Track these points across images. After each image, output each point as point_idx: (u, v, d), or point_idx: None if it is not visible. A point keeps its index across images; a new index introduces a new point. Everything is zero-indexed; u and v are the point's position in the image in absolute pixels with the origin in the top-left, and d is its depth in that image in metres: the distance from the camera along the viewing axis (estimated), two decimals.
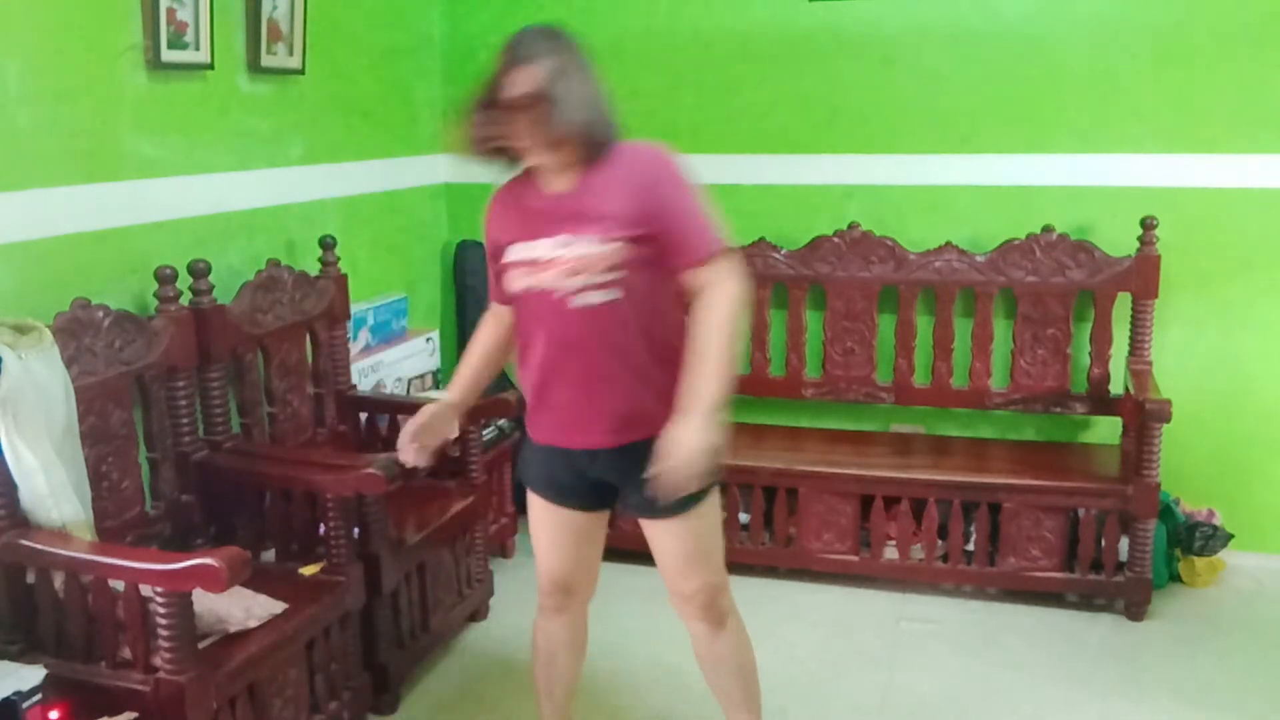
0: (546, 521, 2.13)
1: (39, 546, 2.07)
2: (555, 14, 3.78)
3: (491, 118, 1.88)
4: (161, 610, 1.94)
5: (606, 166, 1.90)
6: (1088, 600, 3.24)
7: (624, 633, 3.02)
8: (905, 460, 3.38)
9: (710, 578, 2.09)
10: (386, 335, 3.54)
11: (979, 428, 3.66)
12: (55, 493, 2.10)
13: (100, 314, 2.33)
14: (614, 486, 2.05)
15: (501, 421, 3.42)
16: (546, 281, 1.91)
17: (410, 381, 3.58)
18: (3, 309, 2.23)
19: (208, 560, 1.91)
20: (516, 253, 1.97)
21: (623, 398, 1.94)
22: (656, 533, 2.06)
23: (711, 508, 2.06)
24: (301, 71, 3.12)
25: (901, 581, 3.33)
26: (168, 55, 2.61)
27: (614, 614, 3.01)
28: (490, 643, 3.05)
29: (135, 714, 1.98)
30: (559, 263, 1.89)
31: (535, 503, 2.13)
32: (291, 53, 3.06)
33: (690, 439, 1.81)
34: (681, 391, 1.86)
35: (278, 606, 2.29)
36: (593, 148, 1.88)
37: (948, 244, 3.47)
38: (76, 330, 2.27)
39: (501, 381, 3.92)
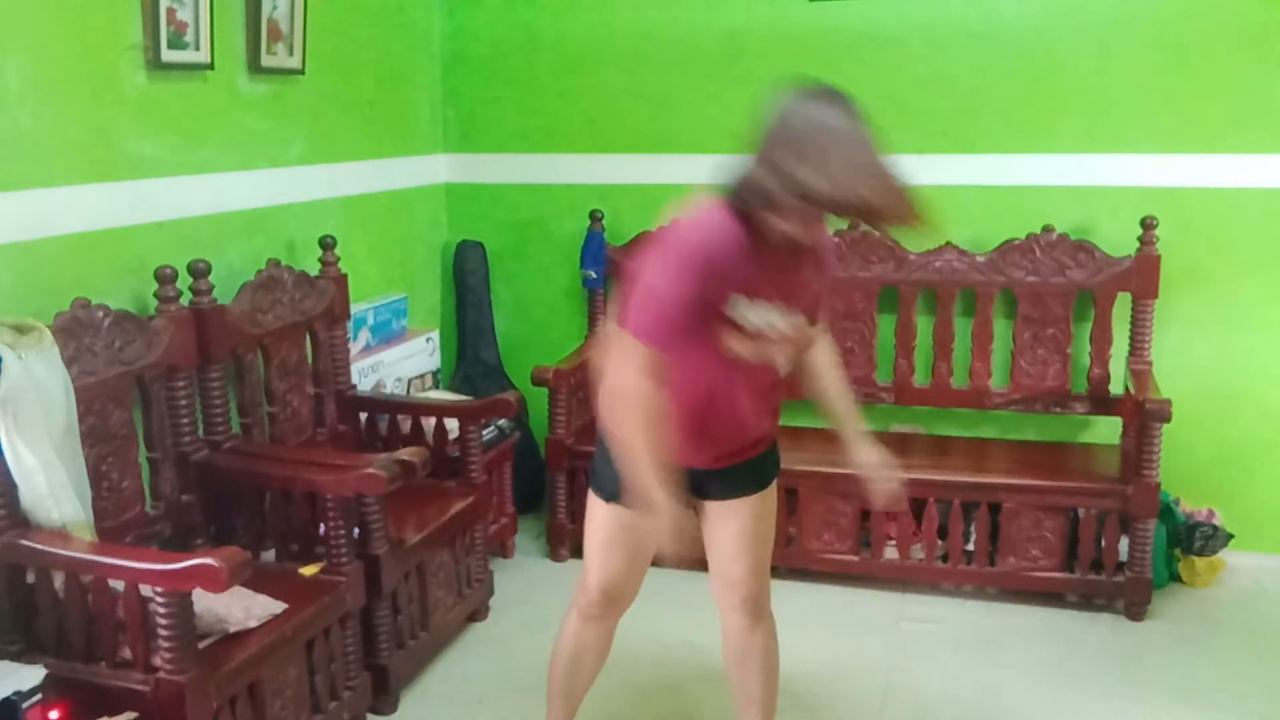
0: (630, 535, 2.09)
1: (39, 546, 2.07)
2: (553, 15, 3.78)
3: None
4: (161, 610, 1.94)
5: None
6: (1088, 600, 3.24)
7: (628, 632, 3.02)
8: (905, 460, 3.34)
9: (761, 565, 2.16)
10: (386, 335, 3.54)
11: (979, 428, 3.66)
12: (55, 493, 2.10)
13: (100, 314, 2.33)
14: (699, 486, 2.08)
15: (501, 421, 3.42)
16: (767, 354, 1.93)
17: (410, 381, 3.58)
18: (3, 309, 2.23)
19: (208, 560, 1.92)
20: (747, 311, 1.88)
21: (760, 429, 2.07)
22: (726, 513, 2.10)
23: (775, 496, 2.17)
24: (301, 71, 3.12)
25: (901, 581, 3.33)
26: (168, 55, 2.61)
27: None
28: (490, 643, 3.05)
29: (135, 714, 1.98)
30: (786, 339, 1.94)
31: (619, 516, 2.06)
32: (291, 53, 3.06)
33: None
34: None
35: (278, 606, 2.29)
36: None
37: (948, 244, 3.47)
38: (76, 330, 2.27)
39: (501, 381, 3.93)
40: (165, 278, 2.51)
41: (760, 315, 1.89)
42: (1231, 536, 3.30)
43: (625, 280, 1.90)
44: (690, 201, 1.90)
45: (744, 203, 1.81)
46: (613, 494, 2.05)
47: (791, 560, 3.36)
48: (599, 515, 2.11)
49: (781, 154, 1.74)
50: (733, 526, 2.12)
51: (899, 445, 3.52)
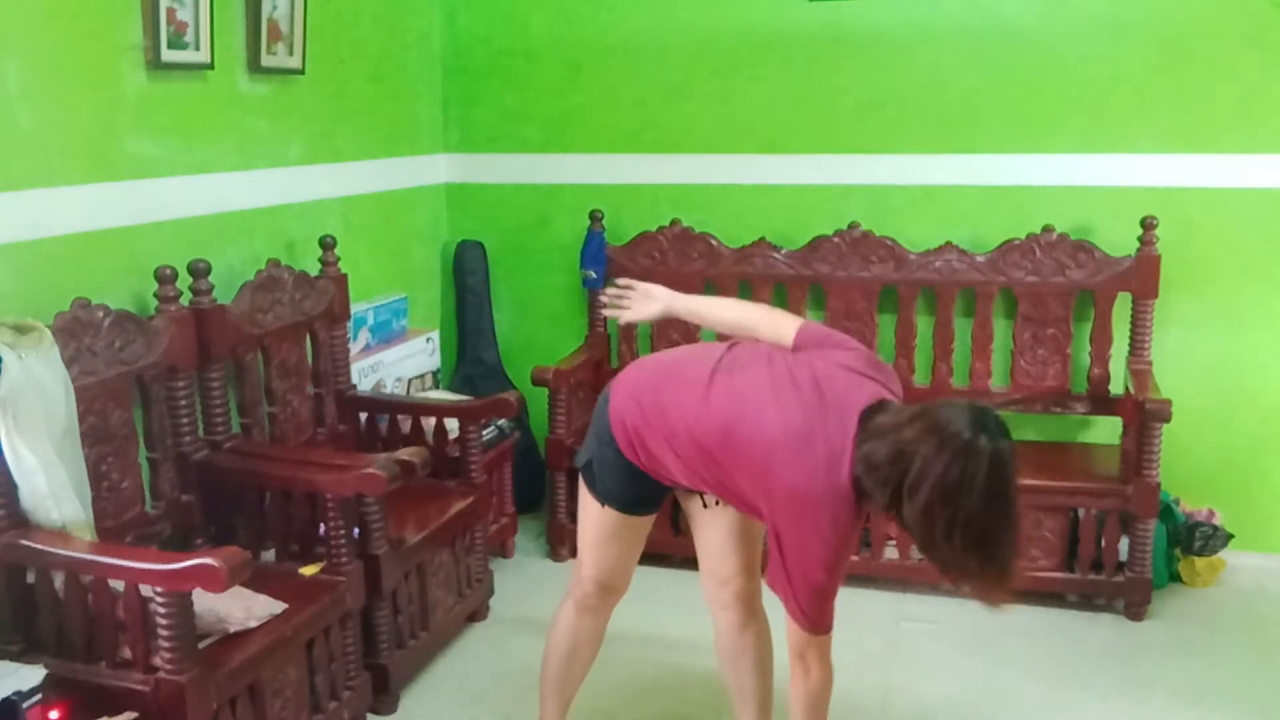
0: (623, 533, 2.13)
1: (39, 546, 2.07)
2: (553, 15, 3.78)
3: None
4: (161, 610, 1.94)
5: None
6: (1088, 600, 3.24)
7: (622, 632, 3.01)
8: None
9: (750, 562, 2.16)
10: (386, 335, 3.54)
11: None
12: (55, 493, 2.10)
13: (100, 314, 2.33)
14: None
15: (501, 421, 3.42)
16: None
17: (410, 381, 3.58)
18: (3, 309, 2.23)
19: (208, 560, 1.91)
20: None
21: None
22: (709, 515, 2.11)
23: None
24: (301, 71, 3.12)
25: (901, 581, 3.32)
26: (168, 55, 2.61)
27: (615, 614, 3.01)
28: (490, 643, 3.05)
29: (135, 714, 1.98)
30: None
31: (612, 516, 2.11)
32: (291, 53, 3.06)
33: None
34: None
35: (278, 606, 2.29)
36: None
37: (948, 244, 3.46)
38: (76, 330, 2.27)
39: (501, 381, 3.93)
40: (165, 278, 2.50)
41: None
42: (1231, 536, 3.30)
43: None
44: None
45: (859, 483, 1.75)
46: (608, 499, 2.08)
47: None
48: (595, 512, 2.12)
49: (926, 494, 1.64)
50: (721, 525, 2.14)
51: None
